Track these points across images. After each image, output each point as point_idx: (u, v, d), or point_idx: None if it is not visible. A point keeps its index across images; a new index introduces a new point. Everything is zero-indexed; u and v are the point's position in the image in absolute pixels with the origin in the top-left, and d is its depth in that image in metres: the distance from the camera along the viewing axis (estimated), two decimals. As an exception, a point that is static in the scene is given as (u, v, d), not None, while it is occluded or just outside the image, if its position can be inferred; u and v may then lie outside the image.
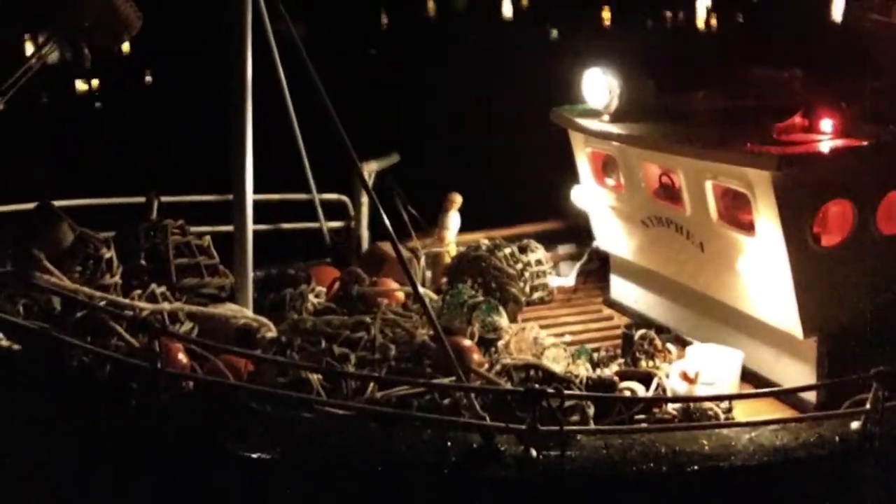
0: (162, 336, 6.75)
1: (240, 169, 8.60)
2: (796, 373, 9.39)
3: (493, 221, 13.18)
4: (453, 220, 11.77)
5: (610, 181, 11.25)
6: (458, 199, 11.75)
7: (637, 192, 10.71)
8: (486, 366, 8.34)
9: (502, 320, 9.00)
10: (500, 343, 9.08)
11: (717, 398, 8.42)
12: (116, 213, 10.30)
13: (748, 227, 9.17)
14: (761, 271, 9.19)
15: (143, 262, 9.09)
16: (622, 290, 11.95)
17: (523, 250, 12.04)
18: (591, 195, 11.53)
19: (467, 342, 8.41)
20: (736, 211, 9.39)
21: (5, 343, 7.16)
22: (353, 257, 11.33)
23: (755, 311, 9.58)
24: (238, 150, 8.57)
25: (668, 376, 8.98)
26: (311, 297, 9.57)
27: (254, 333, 8.23)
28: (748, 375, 9.76)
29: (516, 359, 8.43)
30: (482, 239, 11.56)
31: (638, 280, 11.59)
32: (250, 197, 8.67)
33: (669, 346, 9.82)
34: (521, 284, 11.13)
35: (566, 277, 12.26)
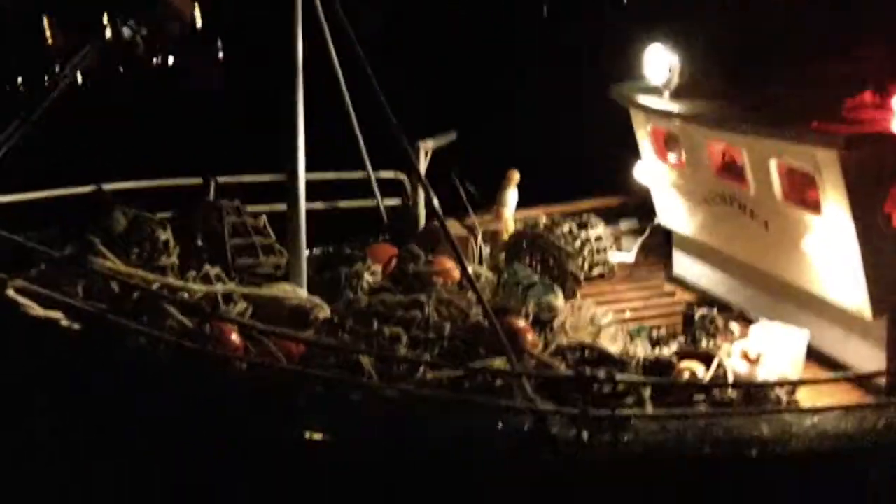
0: (212, 319, 6.80)
1: (291, 148, 8.59)
2: (865, 354, 9.08)
3: (555, 197, 13.05)
4: (511, 196, 11.63)
5: (672, 158, 10.97)
6: (516, 176, 11.60)
7: (699, 169, 10.42)
8: (540, 346, 8.23)
9: (557, 300, 8.88)
10: (556, 322, 8.96)
11: (780, 383, 8.16)
12: (177, 195, 10.39)
13: (814, 207, 8.84)
14: (828, 252, 8.87)
15: (199, 242, 9.19)
16: (685, 266, 11.70)
17: (583, 226, 11.88)
18: (652, 172, 11.28)
19: (521, 323, 8.31)
20: (801, 190, 9.06)
21: (66, 323, 7.32)
22: (410, 235, 11.27)
23: (822, 291, 9.27)
24: (289, 129, 8.56)
25: (729, 356, 8.76)
26: (366, 275, 9.56)
27: (306, 314, 8.23)
28: (814, 355, 9.48)
29: (571, 339, 8.31)
30: (541, 215, 11.40)
31: (701, 257, 11.32)
32: (302, 175, 8.67)
33: (732, 324, 9.58)
34: (580, 261, 10.96)
35: (627, 253, 12.04)
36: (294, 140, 8.57)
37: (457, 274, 9.74)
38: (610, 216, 12.73)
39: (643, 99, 10.38)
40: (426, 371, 7.71)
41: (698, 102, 9.90)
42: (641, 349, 9.03)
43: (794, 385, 8.36)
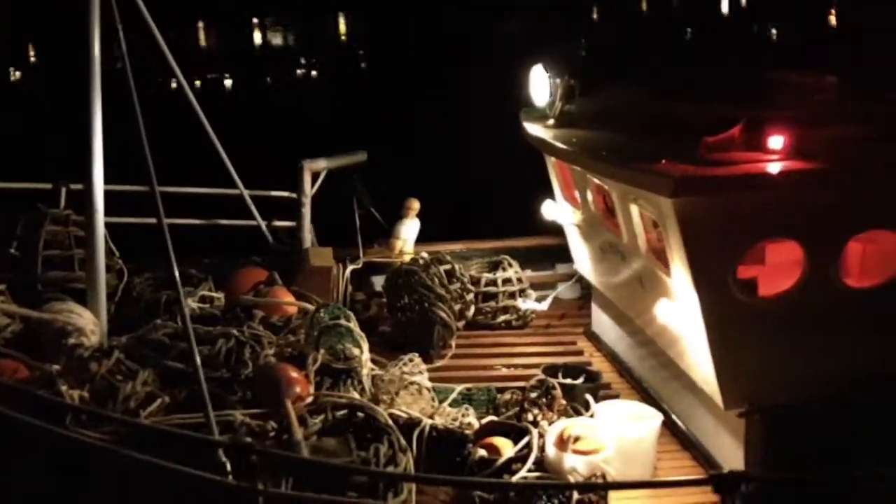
0: None
1: (90, 158, 7.93)
2: (728, 447, 7.53)
3: (497, 233, 11.92)
4: (408, 228, 10.60)
5: (578, 196, 9.62)
6: (415, 206, 10.57)
7: (588, 211, 9.08)
8: (308, 399, 7.19)
9: (356, 349, 7.76)
10: (365, 374, 7.86)
11: (552, 485, 6.66)
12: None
13: (666, 265, 7.39)
14: (681, 321, 7.40)
15: (13, 251, 8.69)
16: (601, 322, 10.30)
17: (495, 267, 10.69)
18: (560, 211, 9.95)
19: (292, 372, 7.27)
20: (660, 242, 7.61)
21: None
22: (290, 261, 10.38)
23: (686, 367, 7.78)
24: (87, 140, 7.93)
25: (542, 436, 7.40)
26: (191, 301, 8.79)
27: (61, 338, 7.52)
28: (686, 440, 8.04)
29: (343, 396, 7.23)
30: (422, 251, 10.26)
31: (612, 313, 9.90)
32: (100, 187, 7.98)
33: (590, 398, 8.19)
34: (460, 305, 9.75)
35: (539, 302, 10.70)
36: (90, 148, 7.91)
37: (292, 309, 8.85)
38: (546, 258, 11.52)
39: (529, 125, 9.06)
40: (161, 409, 6.98)
41: (579, 132, 8.52)
42: (466, 415, 7.83)
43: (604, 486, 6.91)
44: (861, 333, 7.02)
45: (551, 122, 8.81)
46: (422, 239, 11.26)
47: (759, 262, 7.23)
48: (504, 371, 9.54)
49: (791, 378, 7.06)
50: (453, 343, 9.67)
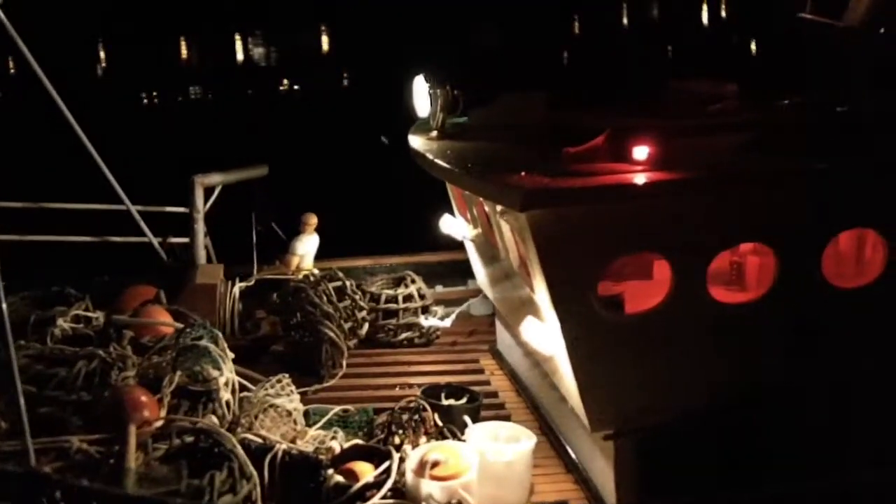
0: None
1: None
2: (601, 470, 7.24)
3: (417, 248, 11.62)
4: (306, 243, 10.29)
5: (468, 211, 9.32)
6: (313, 221, 10.26)
7: (477, 226, 8.78)
8: (157, 424, 6.87)
9: (215, 371, 7.43)
10: (225, 396, 7.53)
11: None
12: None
13: (531, 282, 7.10)
14: (549, 341, 7.10)
15: None
16: (504, 340, 9.99)
17: (398, 283, 10.38)
18: (456, 226, 9.65)
19: (141, 396, 6.96)
20: (525, 259, 7.32)
21: None
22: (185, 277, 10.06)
23: (562, 389, 7.47)
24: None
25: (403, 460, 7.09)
26: (61, 321, 8.48)
27: None
28: (571, 462, 7.75)
29: (194, 420, 6.92)
30: (314, 269, 9.97)
31: (512, 330, 9.55)
32: None
33: (467, 419, 7.87)
34: (351, 323, 9.43)
35: (442, 319, 10.37)
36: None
37: (168, 329, 8.53)
38: (457, 273, 11.22)
39: (413, 139, 8.71)
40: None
41: (460, 144, 8.18)
42: (333, 438, 7.52)
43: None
44: (730, 349, 6.74)
45: (434, 134, 8.49)
46: (329, 254, 10.98)
47: (624, 277, 6.95)
48: (398, 391, 9.22)
49: (660, 398, 6.77)
50: (345, 362, 9.35)
